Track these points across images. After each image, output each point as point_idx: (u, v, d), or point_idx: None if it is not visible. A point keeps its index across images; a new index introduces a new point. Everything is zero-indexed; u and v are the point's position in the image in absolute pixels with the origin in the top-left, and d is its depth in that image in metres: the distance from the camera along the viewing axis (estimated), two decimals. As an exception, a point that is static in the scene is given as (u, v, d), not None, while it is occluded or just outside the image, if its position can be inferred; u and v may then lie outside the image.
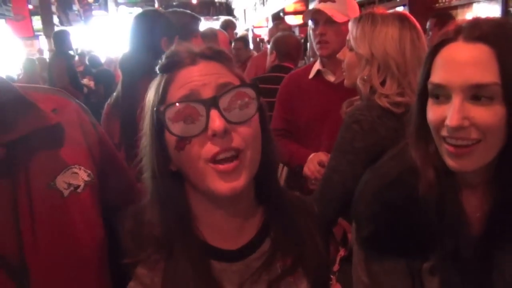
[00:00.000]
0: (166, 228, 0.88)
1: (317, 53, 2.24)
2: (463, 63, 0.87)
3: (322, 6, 2.17)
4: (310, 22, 2.31)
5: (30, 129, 0.80)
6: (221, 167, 0.81)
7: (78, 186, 0.85)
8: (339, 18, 2.17)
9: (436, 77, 0.91)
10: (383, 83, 1.57)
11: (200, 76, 0.84)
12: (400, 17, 1.62)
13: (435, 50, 0.93)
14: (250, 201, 0.93)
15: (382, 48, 1.57)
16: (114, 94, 2.16)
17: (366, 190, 1.10)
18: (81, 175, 0.86)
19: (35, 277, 0.76)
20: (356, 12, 2.23)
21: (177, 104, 0.82)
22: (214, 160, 0.81)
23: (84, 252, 0.83)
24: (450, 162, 0.91)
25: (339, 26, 2.16)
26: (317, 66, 2.30)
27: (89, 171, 0.88)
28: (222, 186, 0.81)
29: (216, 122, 0.79)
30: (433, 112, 0.92)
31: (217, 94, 0.81)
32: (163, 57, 0.89)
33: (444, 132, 0.89)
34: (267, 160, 0.90)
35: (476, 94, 0.86)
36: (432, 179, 0.96)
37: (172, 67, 0.87)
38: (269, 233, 0.94)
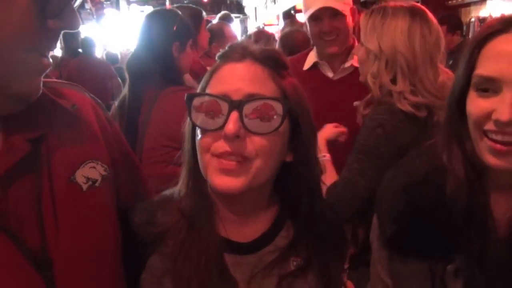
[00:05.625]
0: (192, 200, 0.90)
1: (325, 52, 2.08)
2: None
3: (332, 2, 2.00)
4: (304, 19, 2.13)
5: (52, 125, 0.82)
6: (224, 162, 0.82)
7: (96, 181, 0.86)
8: (345, 10, 2.03)
9: (486, 69, 0.86)
10: (394, 81, 1.52)
11: (237, 79, 0.84)
12: (412, 10, 1.55)
13: (481, 43, 0.88)
14: (262, 203, 0.94)
15: (391, 42, 1.52)
16: (121, 95, 2.07)
17: (390, 188, 1.07)
18: (99, 170, 0.87)
19: (58, 269, 0.77)
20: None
21: (205, 96, 0.86)
22: (219, 156, 0.82)
23: (102, 244, 0.85)
24: (491, 159, 0.87)
25: (344, 19, 2.03)
26: (313, 57, 2.15)
27: (105, 166, 0.89)
28: (218, 181, 0.83)
29: (230, 125, 0.79)
30: (476, 105, 0.87)
31: (244, 99, 0.82)
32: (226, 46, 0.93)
33: (490, 126, 0.85)
34: (305, 182, 0.92)
35: None
36: (462, 179, 0.92)
37: (223, 57, 0.91)
38: (283, 228, 0.94)
